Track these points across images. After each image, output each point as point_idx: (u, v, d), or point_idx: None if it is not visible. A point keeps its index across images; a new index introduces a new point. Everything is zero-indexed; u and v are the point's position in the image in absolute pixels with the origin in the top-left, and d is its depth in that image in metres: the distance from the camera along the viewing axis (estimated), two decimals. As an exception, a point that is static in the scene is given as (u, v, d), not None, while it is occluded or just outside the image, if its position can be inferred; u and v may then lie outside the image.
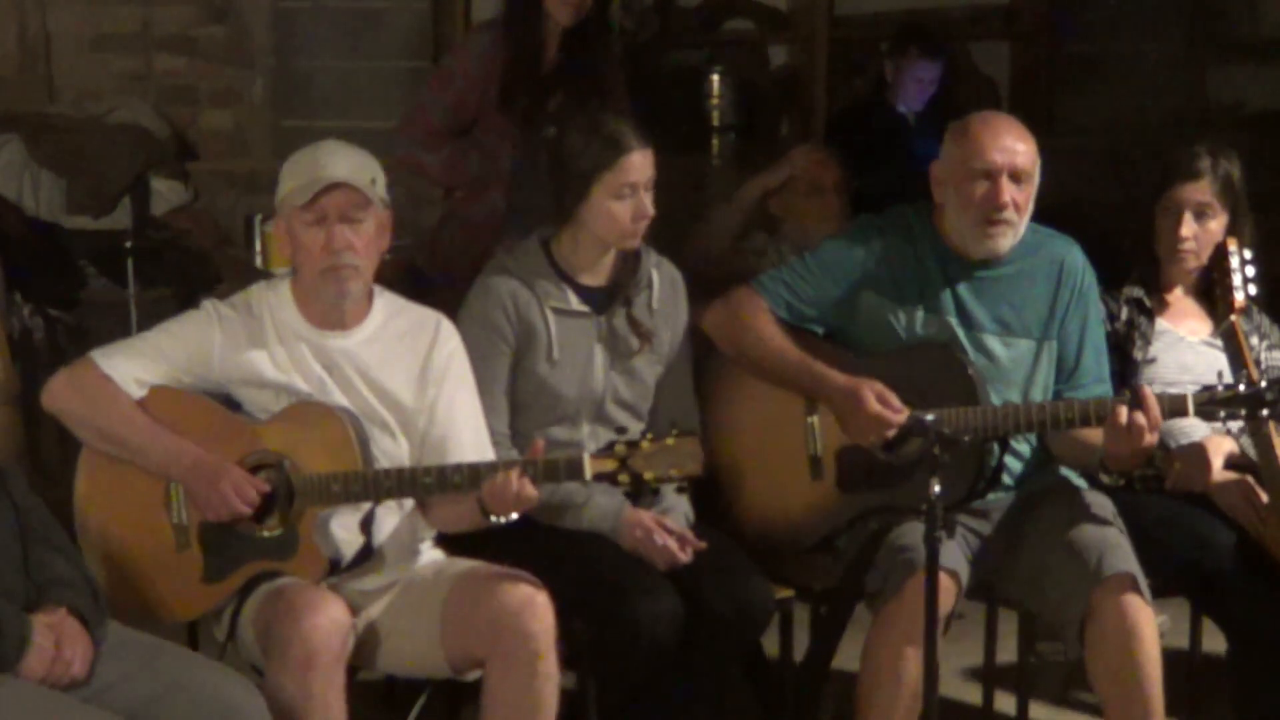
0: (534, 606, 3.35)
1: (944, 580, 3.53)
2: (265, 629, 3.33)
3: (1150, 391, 3.60)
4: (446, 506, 3.51)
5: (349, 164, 3.46)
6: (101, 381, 3.42)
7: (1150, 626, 3.61)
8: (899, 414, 3.67)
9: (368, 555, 3.47)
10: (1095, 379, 3.85)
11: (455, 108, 4.71)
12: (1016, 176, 3.72)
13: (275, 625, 3.28)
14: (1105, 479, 3.86)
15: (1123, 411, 3.57)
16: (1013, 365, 3.82)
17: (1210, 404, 3.60)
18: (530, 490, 3.32)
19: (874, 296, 3.83)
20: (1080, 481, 3.90)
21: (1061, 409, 3.68)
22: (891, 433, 3.68)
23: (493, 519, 3.37)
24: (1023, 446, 3.86)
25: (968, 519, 3.80)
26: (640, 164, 3.71)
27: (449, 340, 3.60)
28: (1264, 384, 3.59)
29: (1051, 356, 3.86)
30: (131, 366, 3.44)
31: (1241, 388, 3.59)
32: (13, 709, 2.92)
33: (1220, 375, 3.65)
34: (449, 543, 3.66)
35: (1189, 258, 4.06)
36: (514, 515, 3.37)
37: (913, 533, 3.66)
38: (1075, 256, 3.89)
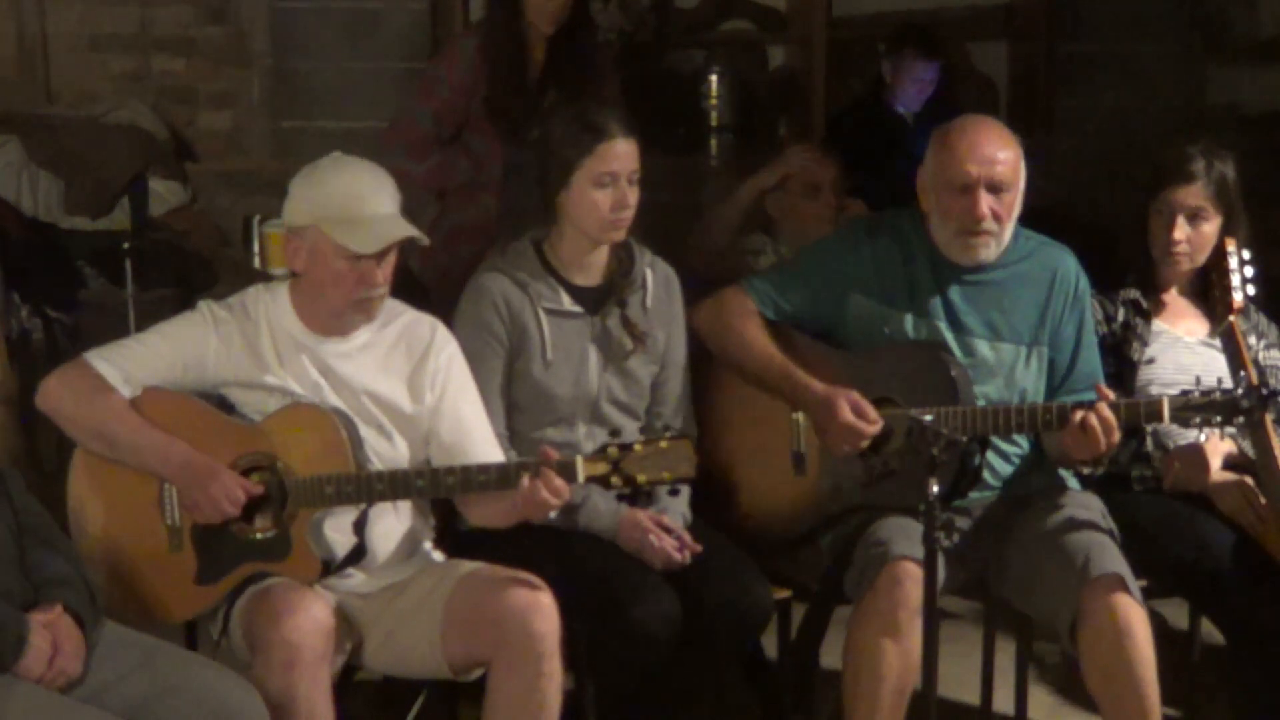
0: (540, 607, 3.36)
1: (911, 569, 3.55)
2: (250, 630, 3.34)
3: (1106, 399, 3.61)
4: (485, 506, 3.53)
5: (396, 206, 3.47)
6: (95, 382, 3.41)
7: (1142, 625, 3.60)
8: (874, 425, 3.68)
9: (360, 556, 3.47)
10: (1089, 386, 3.84)
11: (441, 115, 4.69)
12: (994, 187, 3.71)
13: (258, 626, 3.30)
14: (1085, 470, 3.86)
15: (1077, 415, 3.60)
16: (1001, 369, 3.82)
17: (1186, 409, 3.61)
18: (562, 485, 3.34)
19: (862, 300, 3.84)
20: (1072, 483, 3.90)
21: (1040, 411, 3.68)
22: (864, 444, 3.69)
23: (534, 521, 3.42)
24: (1010, 447, 3.86)
25: (953, 516, 3.80)
26: (622, 153, 3.70)
27: (445, 345, 3.60)
28: (1240, 391, 3.60)
29: (1041, 362, 3.86)
30: (125, 367, 3.43)
31: (1217, 394, 3.60)
32: (10, 709, 2.92)
33: (1198, 380, 3.65)
34: (448, 544, 3.66)
35: (1182, 260, 4.06)
36: (551, 514, 3.41)
37: (886, 527, 3.68)
38: (1069, 264, 3.89)
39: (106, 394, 3.41)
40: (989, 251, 3.77)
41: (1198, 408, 3.61)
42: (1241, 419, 3.62)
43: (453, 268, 4.44)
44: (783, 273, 3.92)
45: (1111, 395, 3.66)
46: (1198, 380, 3.66)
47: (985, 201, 3.70)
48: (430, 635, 3.44)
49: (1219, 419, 3.61)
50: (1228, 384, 3.81)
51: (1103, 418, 3.59)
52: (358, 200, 3.42)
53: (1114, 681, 3.61)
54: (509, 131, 4.67)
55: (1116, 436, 3.62)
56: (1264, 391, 3.62)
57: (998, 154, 3.72)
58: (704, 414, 3.96)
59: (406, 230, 3.45)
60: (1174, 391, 3.95)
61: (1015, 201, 3.76)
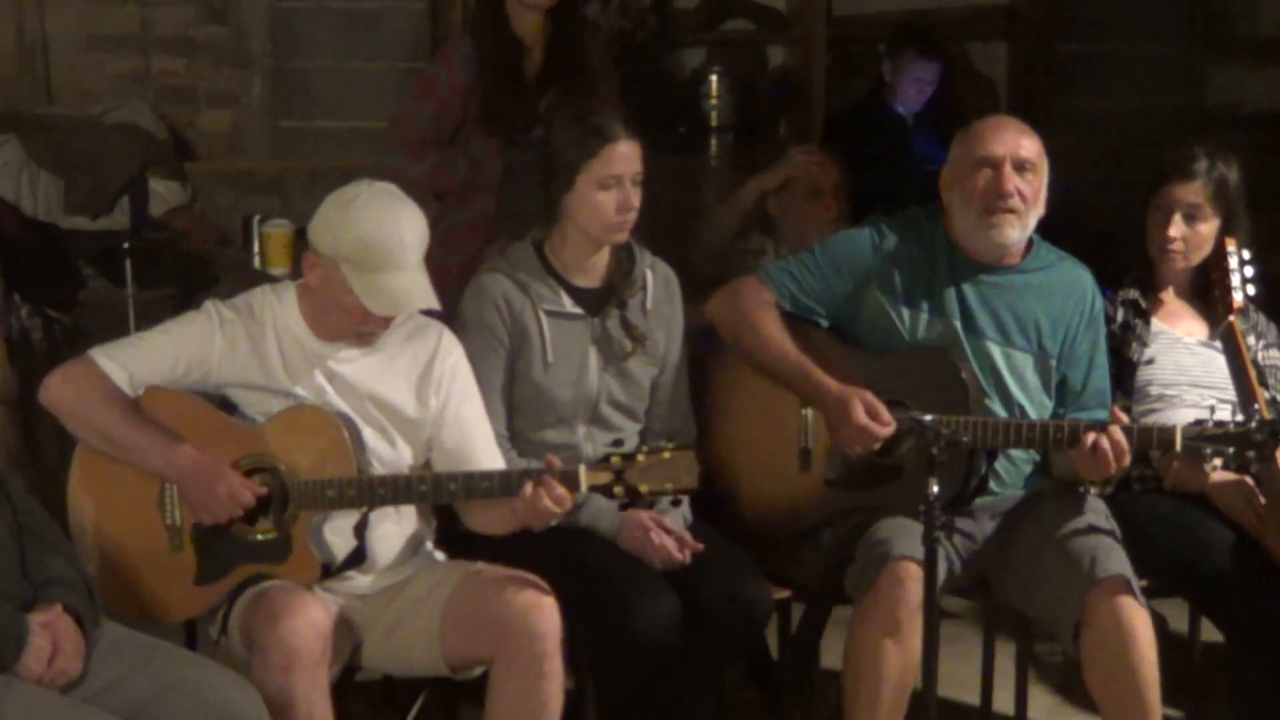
0: (541, 607, 3.37)
1: (912, 569, 3.55)
2: (248, 631, 3.35)
3: (1121, 424, 3.61)
4: (483, 511, 3.53)
5: (422, 257, 3.42)
6: (99, 379, 3.40)
7: (1146, 629, 3.60)
8: (886, 427, 3.68)
9: (360, 559, 3.48)
10: (1099, 404, 3.84)
11: (439, 116, 4.69)
12: (1020, 166, 3.73)
13: (256, 628, 3.30)
14: (1094, 491, 3.85)
15: (1089, 437, 3.59)
16: (1009, 375, 3.82)
17: (1199, 440, 3.60)
18: (565, 493, 3.34)
19: (879, 295, 3.83)
20: (1076, 484, 3.91)
21: (1051, 429, 3.67)
22: (877, 445, 3.69)
23: (535, 528, 3.42)
24: (1016, 451, 3.85)
25: (957, 518, 3.80)
26: (626, 155, 3.70)
27: (451, 351, 3.59)
28: (1253, 424, 3.58)
29: (1049, 375, 3.85)
30: (130, 365, 3.43)
31: (1231, 426, 3.59)
32: (10, 709, 2.92)
33: (1212, 410, 3.65)
34: (449, 544, 3.66)
35: (1176, 259, 4.06)
36: (552, 522, 3.40)
37: (888, 527, 3.68)
38: (1086, 282, 3.89)
39: (110, 392, 3.40)
40: (1012, 232, 3.76)
41: (1211, 439, 3.59)
42: (1253, 453, 3.60)
43: (451, 268, 4.44)
44: (801, 264, 3.91)
45: (1125, 418, 3.65)
46: (1212, 410, 3.64)
47: (1011, 179, 3.72)
48: (429, 633, 3.44)
49: (1231, 450, 3.59)
50: (1227, 386, 3.83)
51: (1115, 441, 3.58)
52: (385, 254, 3.36)
53: (1116, 684, 3.61)
54: (506, 133, 4.67)
55: (1127, 460, 3.61)
56: (1278, 425, 3.60)
57: (1021, 138, 3.76)
58: (708, 408, 3.95)
59: (424, 300, 3.41)
60: (1172, 393, 3.96)
61: (1040, 190, 3.77)
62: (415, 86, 4.88)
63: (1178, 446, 3.60)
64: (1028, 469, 3.88)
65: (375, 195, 3.42)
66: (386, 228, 3.38)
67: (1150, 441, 3.64)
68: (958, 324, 3.81)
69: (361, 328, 3.44)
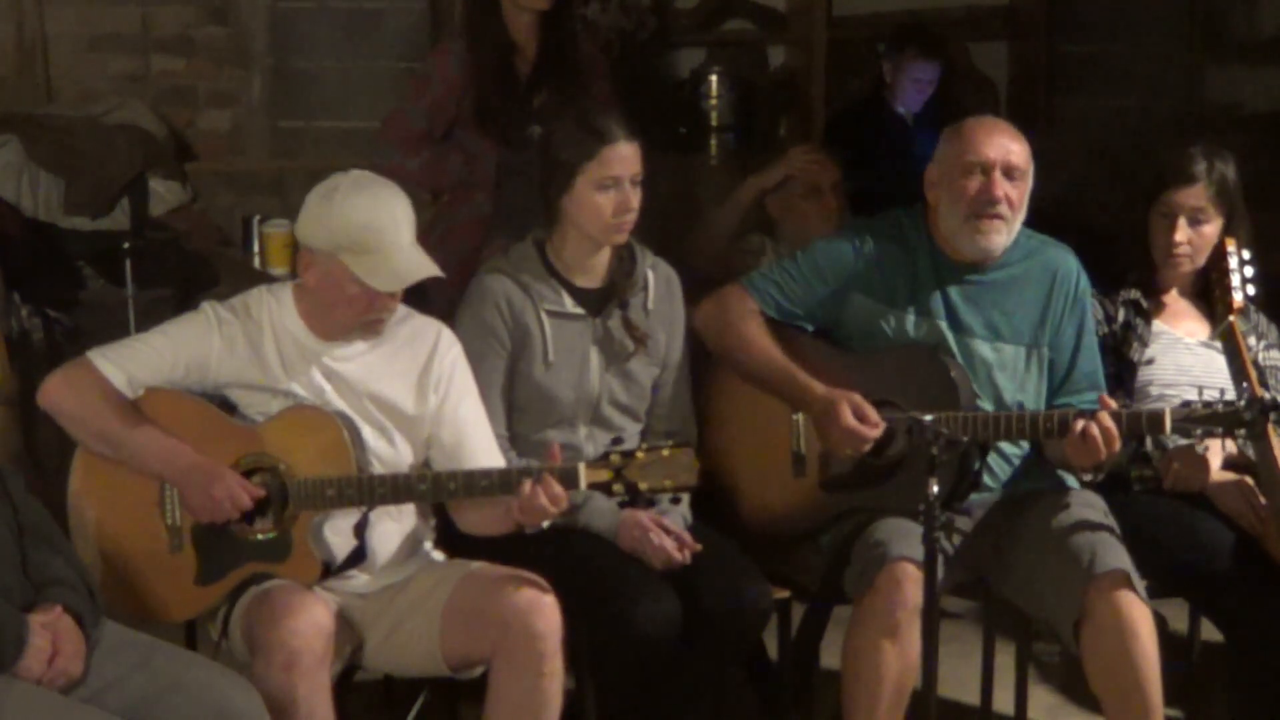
0: (542, 607, 3.37)
1: (910, 569, 3.55)
2: (250, 631, 3.35)
3: (1108, 409, 3.61)
4: (477, 512, 3.54)
5: (414, 233, 3.44)
6: (98, 381, 3.41)
7: (1146, 622, 3.61)
8: (875, 429, 3.68)
9: (360, 558, 3.48)
10: (1090, 385, 3.85)
11: (433, 113, 4.70)
12: (1010, 173, 3.74)
13: (258, 628, 3.30)
14: (1086, 477, 3.85)
15: (1078, 424, 3.59)
16: (1002, 371, 3.83)
17: (1188, 420, 3.60)
18: (562, 493, 3.34)
19: (863, 299, 3.84)
20: (1072, 481, 3.90)
21: (1041, 419, 3.67)
22: (866, 447, 3.69)
23: (527, 529, 3.41)
24: (1010, 448, 3.86)
25: (953, 516, 3.80)
26: (625, 156, 3.70)
27: (450, 349, 3.60)
28: (1242, 402, 3.59)
29: (1042, 363, 3.86)
30: (128, 367, 3.43)
31: (1220, 405, 3.59)
32: (10, 709, 2.92)
33: (1200, 391, 3.65)
34: (449, 544, 3.66)
35: (1183, 262, 4.06)
36: (545, 524, 3.40)
37: (885, 528, 3.68)
38: (1069, 264, 3.89)
39: (109, 394, 3.41)
40: (998, 239, 3.76)
41: (1200, 419, 3.59)
42: (1243, 430, 3.60)
43: (448, 266, 4.44)
44: (784, 271, 3.92)
45: (1114, 405, 3.65)
46: (1200, 391, 3.65)
47: (1001, 185, 3.72)
48: (429, 633, 3.44)
49: (1221, 430, 3.60)
50: (1228, 387, 3.82)
51: (1104, 427, 3.59)
52: (378, 233, 3.38)
53: (1117, 678, 3.62)
54: (500, 131, 4.67)
55: (1117, 446, 3.61)
56: (1266, 402, 3.61)
57: (1012, 144, 3.76)
58: (704, 414, 3.96)
59: (427, 269, 3.43)
60: (1173, 393, 3.96)
61: (1025, 196, 3.77)
62: (411, 83, 4.89)
63: (1167, 428, 3.61)
64: (1019, 462, 3.88)
65: (354, 182, 3.45)
66: (376, 209, 3.41)
67: (1140, 425, 3.64)
68: (943, 324, 3.81)
69: (369, 315, 3.44)
